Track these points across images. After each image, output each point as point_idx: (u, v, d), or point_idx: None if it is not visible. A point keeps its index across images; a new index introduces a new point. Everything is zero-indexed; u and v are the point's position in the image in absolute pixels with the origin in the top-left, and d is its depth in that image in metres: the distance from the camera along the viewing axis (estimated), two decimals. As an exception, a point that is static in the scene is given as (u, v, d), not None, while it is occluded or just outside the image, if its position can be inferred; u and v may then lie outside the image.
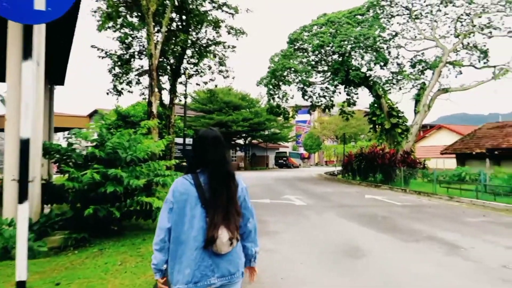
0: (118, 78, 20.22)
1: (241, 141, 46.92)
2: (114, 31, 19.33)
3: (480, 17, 26.76)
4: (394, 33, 28.00)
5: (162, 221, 2.12)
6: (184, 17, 19.44)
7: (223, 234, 2.03)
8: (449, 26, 27.96)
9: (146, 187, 7.40)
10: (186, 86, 20.51)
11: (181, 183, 2.13)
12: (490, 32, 26.56)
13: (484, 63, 27.21)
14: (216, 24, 20.23)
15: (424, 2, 27.68)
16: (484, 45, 27.11)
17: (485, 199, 13.71)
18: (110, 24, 18.26)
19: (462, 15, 27.05)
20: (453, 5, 27.19)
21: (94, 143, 7.43)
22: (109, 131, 8.18)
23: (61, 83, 12.49)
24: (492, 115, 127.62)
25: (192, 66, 21.63)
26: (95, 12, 18.13)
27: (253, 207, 2.27)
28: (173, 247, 2.09)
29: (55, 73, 10.84)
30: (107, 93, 20.48)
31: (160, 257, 2.12)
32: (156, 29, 17.80)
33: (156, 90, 13.99)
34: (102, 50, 19.13)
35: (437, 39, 27.15)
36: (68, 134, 7.69)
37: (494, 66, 26.48)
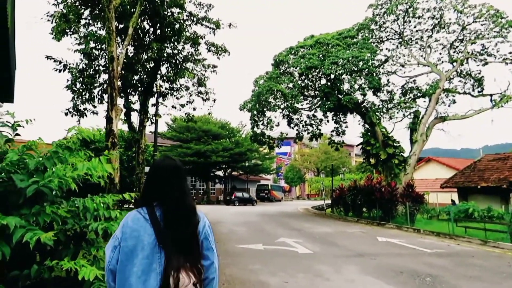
0: (80, 96, 17.09)
1: (220, 173, 43.68)
2: (78, 44, 16.53)
3: (474, 43, 25.39)
4: (385, 58, 26.25)
5: (107, 260, 1.78)
6: (158, 30, 16.87)
7: (185, 279, 1.67)
8: (440, 53, 26.54)
9: (76, 240, 4.39)
10: (157, 103, 17.55)
11: (133, 218, 1.77)
12: (485, 59, 25.18)
13: (479, 91, 25.65)
14: (194, 41, 17.63)
15: (415, 27, 26.23)
16: (479, 73, 25.65)
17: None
18: (71, 30, 15.46)
19: (455, 41, 25.66)
20: (444, 31, 25.85)
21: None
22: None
23: (9, 99, 9.03)
24: (464, 150, 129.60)
25: (167, 84, 18.86)
26: (51, 16, 15.29)
27: (215, 248, 1.83)
28: None
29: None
30: (66, 114, 17.29)
31: None
32: (122, 38, 15.19)
33: (119, 103, 11.08)
34: (60, 62, 16.11)
35: (432, 65, 25.48)
36: None
37: (491, 94, 24.85)
